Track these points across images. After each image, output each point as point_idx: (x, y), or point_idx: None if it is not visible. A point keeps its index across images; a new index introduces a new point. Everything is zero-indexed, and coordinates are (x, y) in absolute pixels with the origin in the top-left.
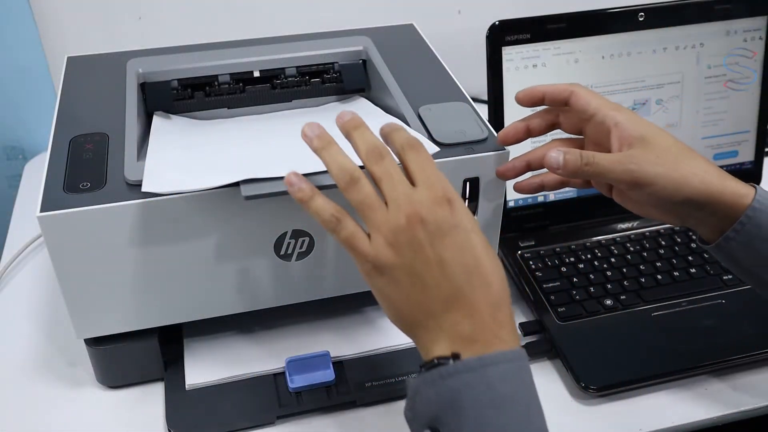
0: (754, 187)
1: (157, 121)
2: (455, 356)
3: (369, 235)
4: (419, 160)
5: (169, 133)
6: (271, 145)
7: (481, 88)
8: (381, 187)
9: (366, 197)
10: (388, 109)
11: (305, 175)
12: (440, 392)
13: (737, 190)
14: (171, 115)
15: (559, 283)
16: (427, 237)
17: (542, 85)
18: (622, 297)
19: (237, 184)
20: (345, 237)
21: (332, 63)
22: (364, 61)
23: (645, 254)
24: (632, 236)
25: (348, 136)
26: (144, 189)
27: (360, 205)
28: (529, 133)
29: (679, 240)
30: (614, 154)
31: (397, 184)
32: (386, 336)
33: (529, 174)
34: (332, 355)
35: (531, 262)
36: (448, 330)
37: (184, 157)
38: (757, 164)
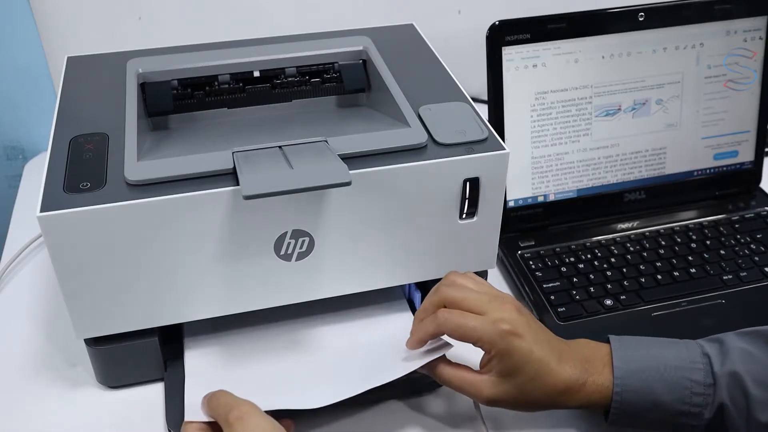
0: (611, 371)
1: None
2: None
3: None
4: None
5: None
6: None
7: (481, 88)
8: None
9: None
10: (388, 110)
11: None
12: None
13: (596, 387)
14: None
15: (559, 283)
16: None
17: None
18: (622, 297)
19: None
20: None
21: (332, 63)
22: (364, 61)
23: (645, 254)
24: (632, 236)
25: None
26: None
27: None
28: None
29: (679, 240)
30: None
31: None
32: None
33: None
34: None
35: (531, 262)
36: None
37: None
38: (757, 164)
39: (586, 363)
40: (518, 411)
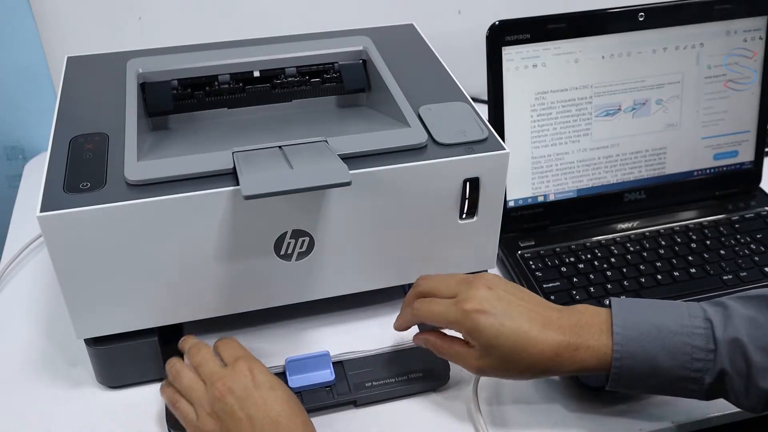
0: (610, 337)
1: None
2: None
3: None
4: (226, 346)
5: None
6: None
7: (481, 88)
8: (199, 372)
9: (188, 382)
10: (388, 110)
11: None
12: None
13: (592, 352)
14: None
15: (559, 283)
16: (237, 402)
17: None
18: (622, 297)
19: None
20: (180, 415)
21: (332, 63)
22: (364, 61)
23: (645, 254)
24: (632, 236)
25: (183, 351)
26: None
27: (185, 389)
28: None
29: (679, 240)
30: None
31: (210, 367)
32: (386, 336)
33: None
34: (332, 354)
35: (531, 262)
36: None
37: None
38: (757, 164)
39: (579, 329)
40: (513, 380)
